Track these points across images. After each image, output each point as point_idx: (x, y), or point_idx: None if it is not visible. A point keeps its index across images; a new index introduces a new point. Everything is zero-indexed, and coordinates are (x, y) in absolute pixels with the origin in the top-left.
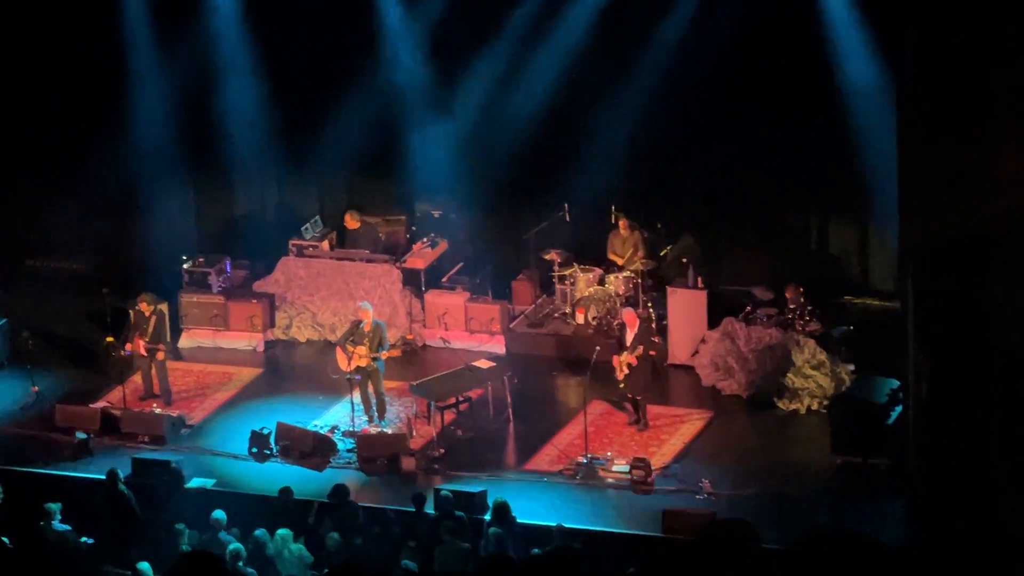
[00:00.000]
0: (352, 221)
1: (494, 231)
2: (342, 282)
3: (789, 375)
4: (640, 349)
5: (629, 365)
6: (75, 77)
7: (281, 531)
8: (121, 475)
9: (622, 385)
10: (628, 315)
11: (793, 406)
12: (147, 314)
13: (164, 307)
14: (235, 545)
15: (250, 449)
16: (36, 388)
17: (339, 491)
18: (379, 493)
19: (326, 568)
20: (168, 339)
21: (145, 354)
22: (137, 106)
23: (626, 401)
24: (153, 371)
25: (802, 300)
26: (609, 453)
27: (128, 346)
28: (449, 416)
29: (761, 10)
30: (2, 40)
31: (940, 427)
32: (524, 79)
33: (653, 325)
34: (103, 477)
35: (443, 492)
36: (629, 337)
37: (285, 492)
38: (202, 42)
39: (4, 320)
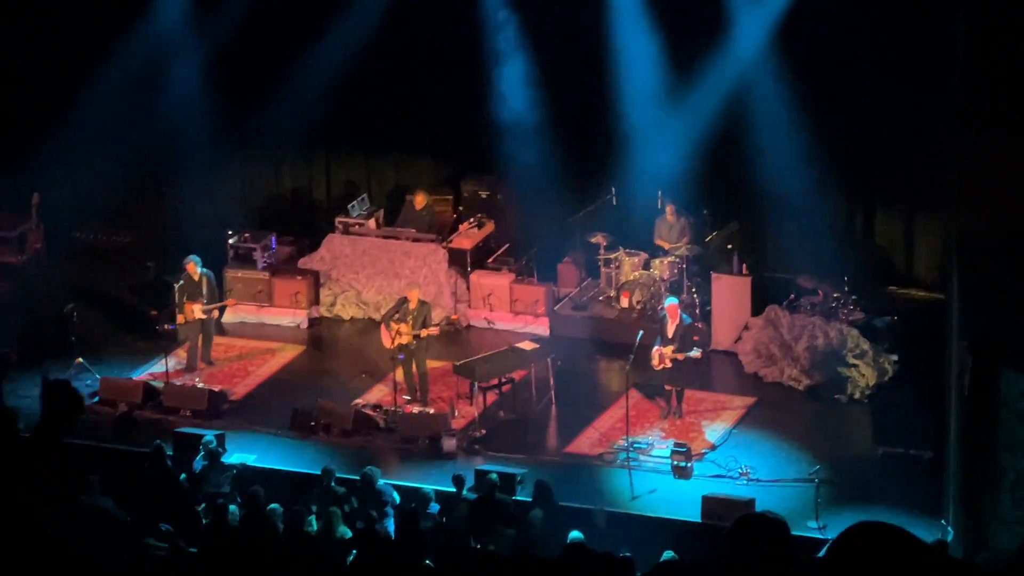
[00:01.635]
0: (422, 200)
1: (541, 213)
2: (387, 261)
3: (838, 368)
4: (680, 355)
5: (673, 360)
6: (119, 46)
7: (334, 511)
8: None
9: (658, 376)
10: (671, 307)
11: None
12: (196, 277)
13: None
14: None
15: (292, 426)
16: (80, 360)
17: (366, 476)
18: (419, 473)
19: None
20: (225, 295)
21: (203, 316)
22: (181, 78)
23: (660, 395)
24: (200, 338)
25: (836, 294)
26: (650, 437)
27: (180, 317)
28: (491, 397)
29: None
30: (57, 14)
31: (981, 420)
32: (575, 61)
33: (696, 311)
34: (144, 450)
35: (490, 476)
36: (670, 329)
37: (327, 472)
38: (250, 14)
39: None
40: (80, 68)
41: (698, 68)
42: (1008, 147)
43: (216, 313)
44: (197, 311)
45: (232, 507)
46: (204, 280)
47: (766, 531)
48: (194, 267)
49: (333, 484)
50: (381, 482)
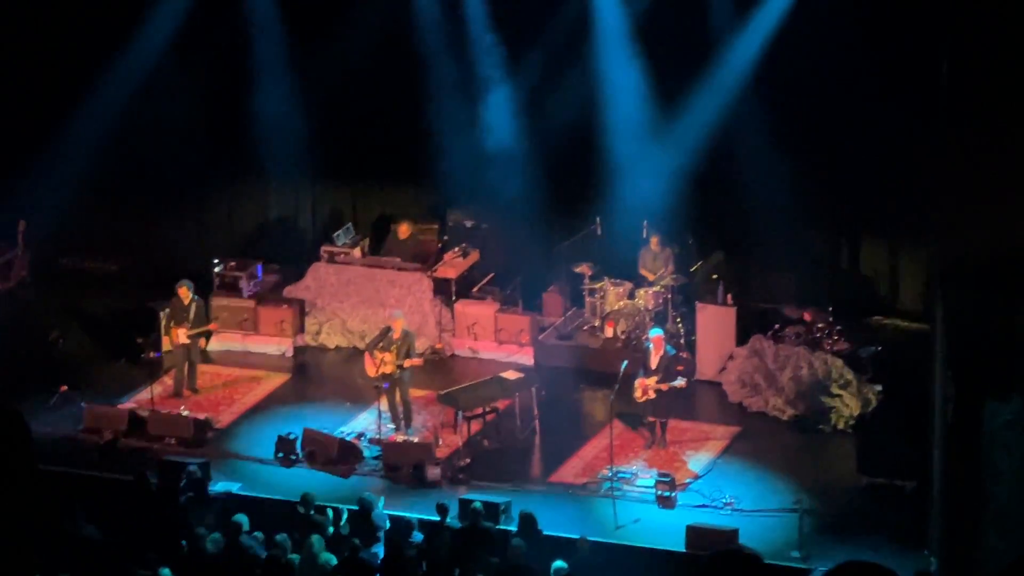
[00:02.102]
0: (406, 230)
1: (526, 243)
2: (373, 290)
3: (823, 398)
4: (664, 385)
5: (657, 391)
6: (105, 75)
7: (315, 538)
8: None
9: (641, 407)
10: (656, 338)
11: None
12: (186, 302)
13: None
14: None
15: (276, 454)
16: (64, 387)
17: (363, 504)
18: (404, 501)
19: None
20: (211, 320)
21: (187, 342)
22: (169, 108)
23: (643, 425)
24: (186, 365)
25: (821, 324)
26: (634, 467)
27: (165, 340)
28: (476, 426)
29: (788, 29)
30: (42, 40)
31: (966, 451)
32: (560, 91)
33: (682, 341)
34: (129, 478)
35: (475, 505)
36: (654, 360)
37: (306, 499)
38: (236, 44)
39: None
40: (67, 95)
41: (683, 98)
42: (991, 177)
43: (204, 342)
44: (182, 335)
45: (215, 535)
46: (193, 305)
47: (741, 566)
48: (186, 291)
49: (313, 512)
50: (378, 509)
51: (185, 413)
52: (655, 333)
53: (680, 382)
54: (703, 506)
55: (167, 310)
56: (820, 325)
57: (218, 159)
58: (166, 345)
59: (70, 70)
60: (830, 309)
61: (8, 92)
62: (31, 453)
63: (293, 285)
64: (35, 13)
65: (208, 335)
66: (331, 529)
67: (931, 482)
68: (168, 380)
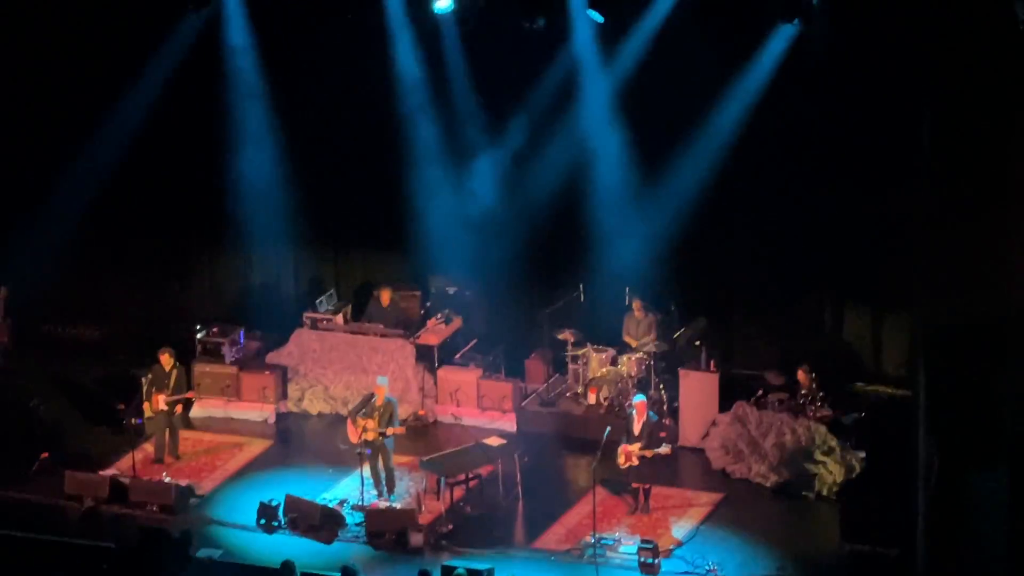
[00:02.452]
0: (387, 297)
1: (508, 309)
2: (355, 356)
3: (806, 464)
4: (648, 452)
5: (640, 457)
6: (87, 142)
7: None
8: (128, 543)
9: (625, 474)
10: (639, 404)
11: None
12: (167, 368)
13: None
14: None
15: (258, 520)
16: (46, 454)
17: (347, 572)
18: (386, 568)
19: None
20: (192, 388)
21: (165, 408)
22: (152, 174)
23: (627, 492)
24: (167, 432)
25: (814, 385)
26: (617, 533)
27: (145, 405)
28: (459, 492)
29: (769, 97)
30: (23, 108)
31: (950, 518)
32: (544, 157)
33: (664, 407)
34: (110, 545)
35: (458, 571)
36: (637, 427)
37: (287, 566)
38: (217, 109)
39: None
40: (48, 161)
41: (666, 165)
42: (972, 243)
43: (180, 407)
44: (161, 402)
45: None
46: (174, 372)
47: None
48: (168, 358)
49: None
50: None
51: (167, 480)
52: (638, 399)
53: (664, 448)
54: (686, 573)
55: (149, 376)
56: (803, 390)
57: (200, 225)
58: (147, 411)
59: (52, 136)
60: (813, 374)
61: None
62: None
63: (276, 351)
64: (17, 82)
65: (187, 403)
66: None
67: (916, 550)
68: (149, 447)
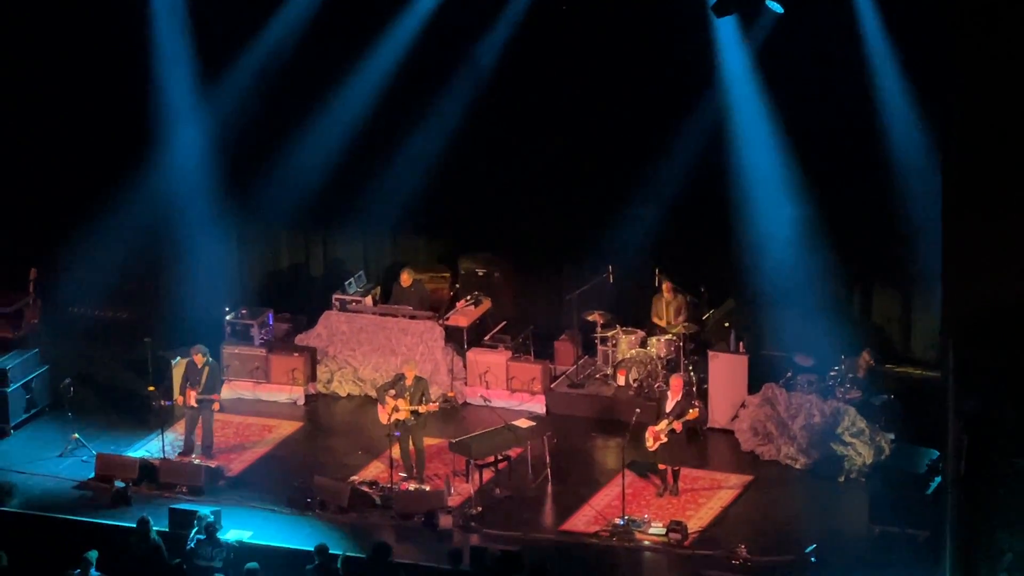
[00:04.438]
0: (407, 278)
1: (538, 291)
2: (384, 338)
3: (835, 446)
4: (678, 424)
5: (671, 432)
6: (118, 121)
7: None
8: (154, 524)
9: (655, 454)
10: (674, 380)
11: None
12: (199, 365)
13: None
14: None
15: (288, 502)
16: (76, 436)
17: (380, 550)
18: (415, 550)
19: None
20: (220, 390)
21: (196, 405)
22: (180, 155)
23: (654, 473)
24: (199, 425)
25: (833, 370)
26: (646, 515)
27: (179, 399)
28: (487, 475)
29: (807, 81)
30: (49, 88)
31: (977, 501)
32: (571, 141)
33: (693, 389)
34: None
35: (489, 551)
36: (670, 404)
37: (321, 549)
38: (249, 93)
39: (45, 367)
40: (82, 149)
41: (696, 151)
42: (1002, 226)
43: (216, 406)
44: (192, 398)
45: None
46: (207, 370)
47: None
48: (200, 357)
49: (326, 561)
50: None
51: (196, 461)
52: (676, 376)
53: (692, 412)
54: (715, 555)
55: (178, 360)
56: (832, 372)
57: (229, 207)
58: (178, 400)
59: (85, 121)
60: (843, 357)
61: (26, 145)
62: None
63: (305, 333)
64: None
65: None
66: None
67: (944, 531)
68: (180, 431)
